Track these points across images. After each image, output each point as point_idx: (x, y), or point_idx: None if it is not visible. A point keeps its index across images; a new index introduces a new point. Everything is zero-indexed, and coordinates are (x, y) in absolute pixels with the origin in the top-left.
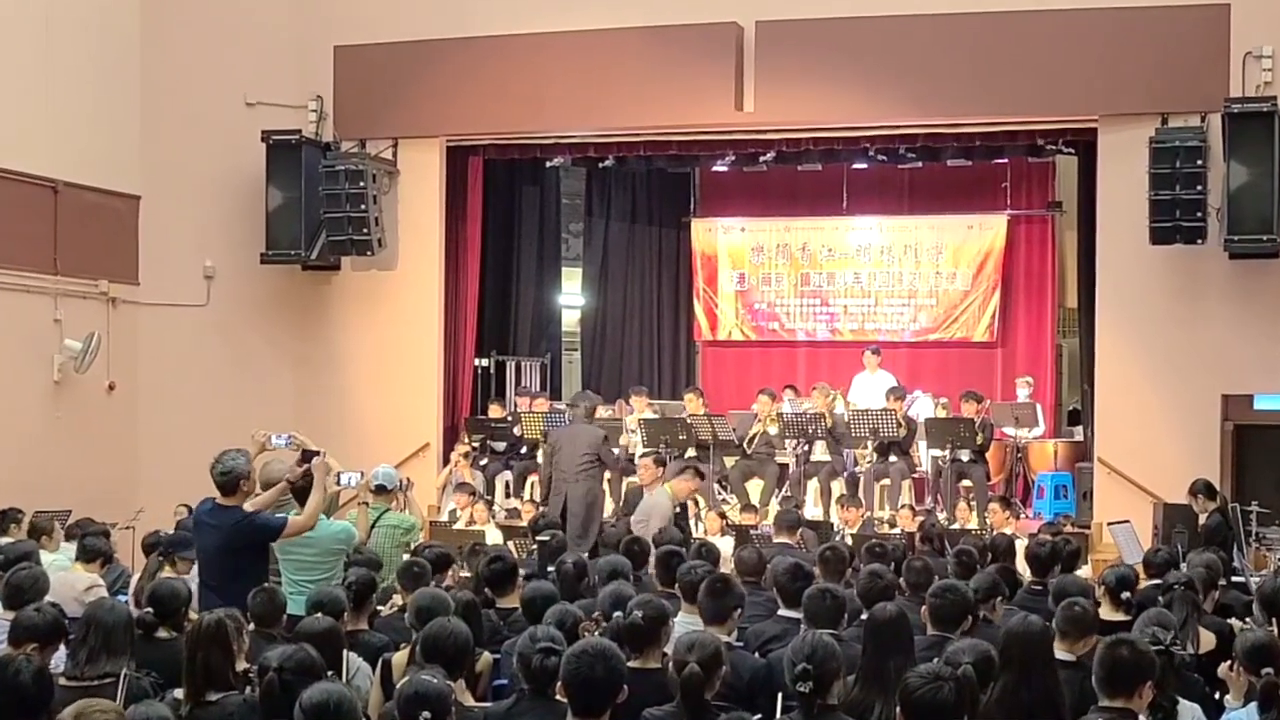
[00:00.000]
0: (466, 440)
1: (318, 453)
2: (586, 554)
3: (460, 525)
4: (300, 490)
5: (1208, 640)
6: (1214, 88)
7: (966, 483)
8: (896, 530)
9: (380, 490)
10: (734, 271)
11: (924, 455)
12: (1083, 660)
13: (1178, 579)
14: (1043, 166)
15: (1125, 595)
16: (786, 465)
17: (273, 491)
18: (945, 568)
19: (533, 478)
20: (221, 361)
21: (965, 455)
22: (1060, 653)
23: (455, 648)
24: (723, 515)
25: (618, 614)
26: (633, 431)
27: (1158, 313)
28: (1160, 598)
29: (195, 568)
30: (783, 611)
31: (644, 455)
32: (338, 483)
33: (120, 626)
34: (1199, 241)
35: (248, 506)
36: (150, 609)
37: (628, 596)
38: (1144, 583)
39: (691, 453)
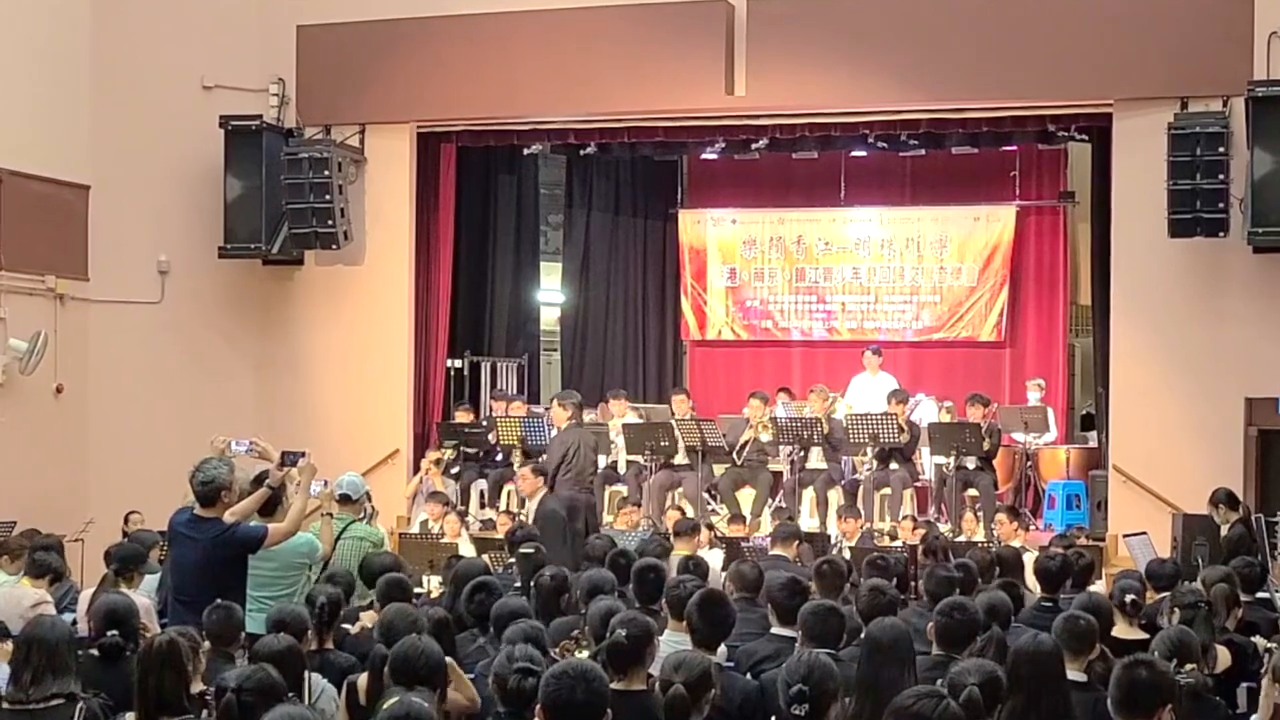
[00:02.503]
0: (439, 446)
1: (302, 454)
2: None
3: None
4: (269, 501)
5: (1224, 658)
6: (1237, 70)
7: (972, 492)
8: (898, 543)
9: (345, 500)
10: (724, 266)
11: (927, 462)
12: (1095, 681)
13: (1194, 597)
14: (1054, 154)
15: (1130, 598)
16: (780, 473)
17: (251, 499)
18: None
19: (509, 486)
20: (177, 362)
21: (971, 463)
22: (1071, 673)
23: (427, 668)
24: (711, 527)
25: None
26: (614, 440)
27: (1177, 310)
28: (1177, 611)
29: (145, 582)
30: (776, 629)
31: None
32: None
33: (64, 644)
34: (1221, 234)
35: (227, 517)
36: (114, 630)
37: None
38: (1152, 597)
39: (681, 459)
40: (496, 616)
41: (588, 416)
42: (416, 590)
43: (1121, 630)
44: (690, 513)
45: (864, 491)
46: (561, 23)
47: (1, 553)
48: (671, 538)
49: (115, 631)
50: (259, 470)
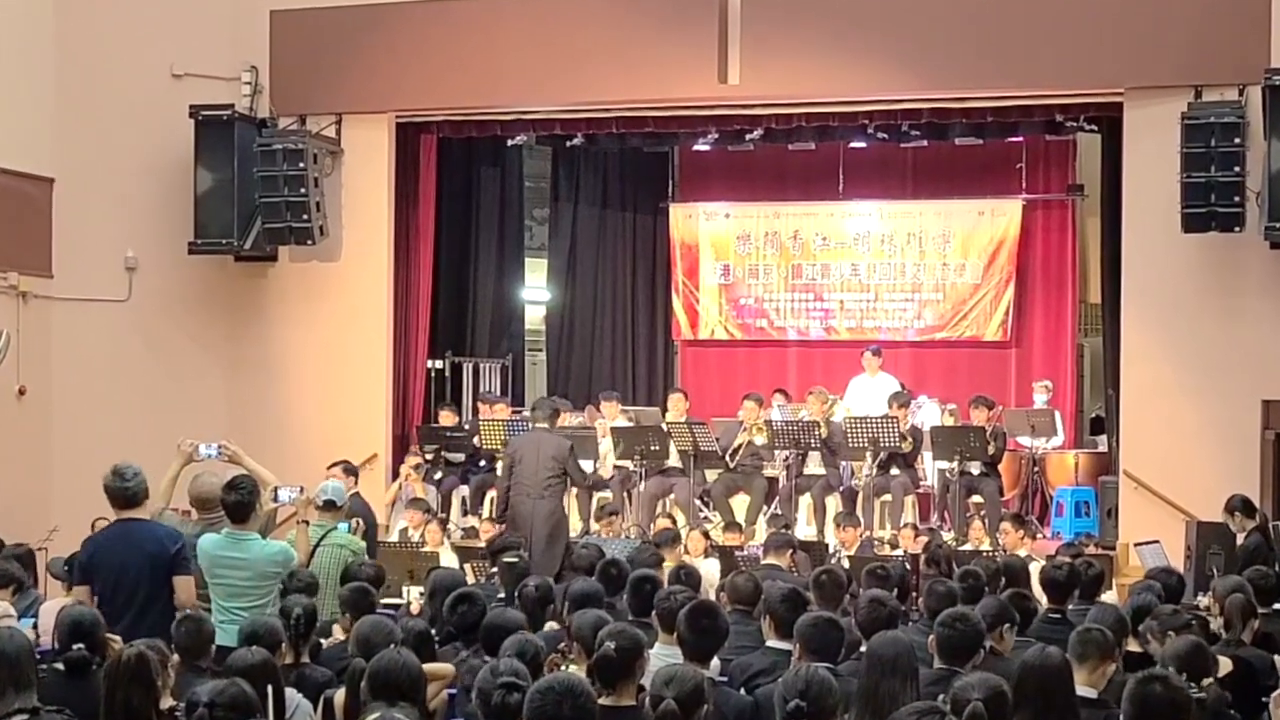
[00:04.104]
0: (418, 451)
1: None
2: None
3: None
4: (233, 504)
5: (1224, 664)
6: (1253, 57)
7: (977, 499)
8: (899, 552)
9: (330, 506)
10: (717, 263)
11: (929, 468)
12: (1105, 696)
13: (1179, 620)
14: (1062, 145)
15: (1140, 628)
16: (775, 479)
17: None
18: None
19: (492, 493)
20: (145, 363)
21: (975, 468)
22: (1081, 688)
23: (408, 682)
24: (706, 535)
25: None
26: (601, 440)
27: (1190, 309)
28: (1171, 635)
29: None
30: (771, 642)
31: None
32: (274, 499)
33: (25, 655)
34: (1236, 229)
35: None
36: (81, 644)
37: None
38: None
39: (673, 463)
40: (488, 630)
41: (574, 419)
42: (396, 601)
43: (1134, 644)
44: (682, 520)
45: (863, 498)
46: (547, 8)
47: None
48: (656, 548)
49: (81, 645)
50: (231, 475)
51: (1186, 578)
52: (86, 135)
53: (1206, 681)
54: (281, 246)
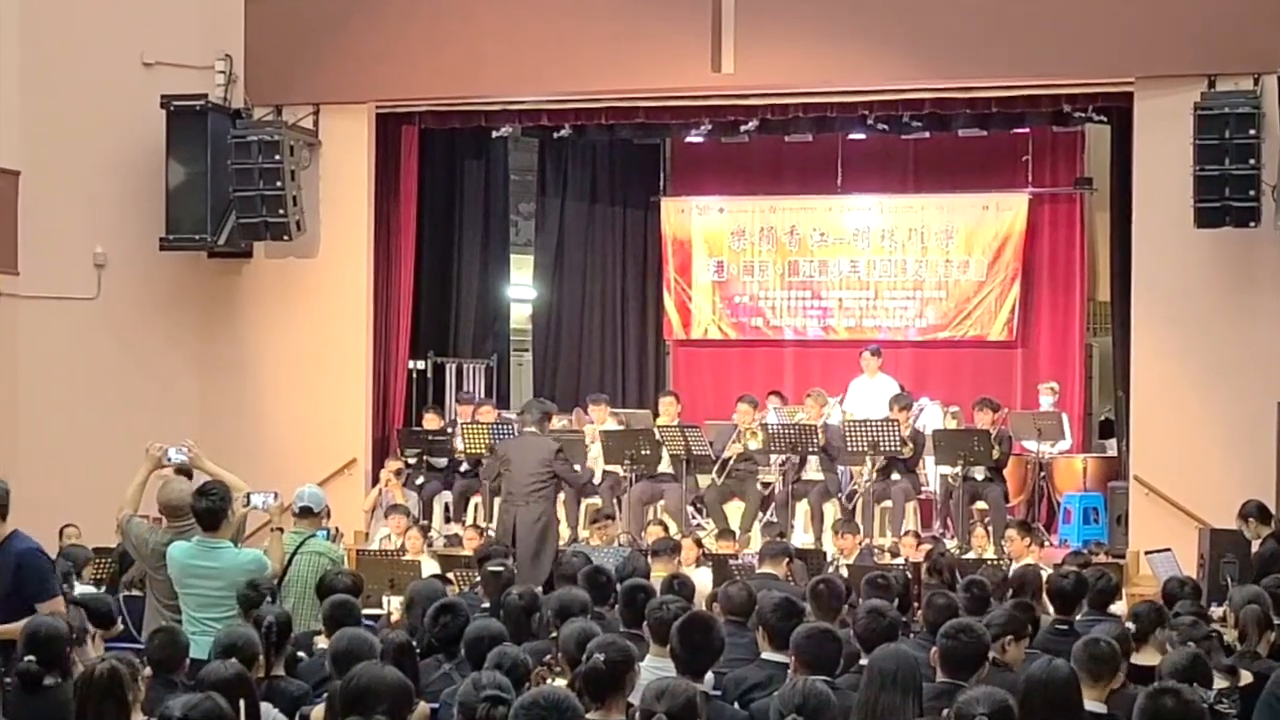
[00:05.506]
0: (399, 455)
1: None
2: (540, 588)
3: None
4: (204, 511)
5: (1244, 674)
6: (1268, 45)
7: (981, 505)
8: (899, 560)
9: (306, 513)
10: (711, 259)
11: (932, 473)
12: (1114, 711)
13: (1198, 631)
14: (1070, 137)
15: (1158, 636)
16: (771, 485)
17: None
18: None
19: (475, 499)
20: (115, 363)
21: (980, 473)
22: (1090, 703)
23: (388, 697)
24: (699, 543)
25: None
26: (589, 444)
27: (1204, 307)
28: (1190, 644)
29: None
30: (767, 654)
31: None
32: (246, 503)
33: None
34: (1251, 224)
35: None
36: (32, 656)
37: (594, 636)
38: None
39: (664, 468)
40: (471, 641)
41: (560, 423)
42: (377, 612)
43: (1143, 656)
44: (673, 528)
45: (863, 504)
46: None
47: None
48: (650, 557)
49: (33, 657)
50: (203, 481)
51: (1200, 587)
52: (54, 126)
53: (1219, 687)
54: (257, 242)
